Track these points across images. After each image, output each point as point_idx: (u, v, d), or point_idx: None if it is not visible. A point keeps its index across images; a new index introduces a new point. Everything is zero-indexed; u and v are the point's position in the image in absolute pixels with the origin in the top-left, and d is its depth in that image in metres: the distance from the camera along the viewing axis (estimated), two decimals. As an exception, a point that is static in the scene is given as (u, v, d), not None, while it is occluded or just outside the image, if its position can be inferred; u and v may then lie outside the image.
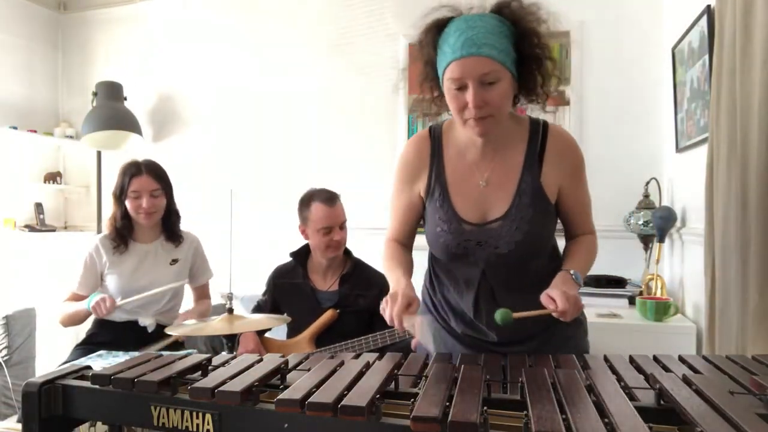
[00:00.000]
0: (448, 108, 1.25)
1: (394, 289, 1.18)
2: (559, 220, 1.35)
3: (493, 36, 1.11)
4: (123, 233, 2.16)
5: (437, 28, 1.18)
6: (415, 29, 1.22)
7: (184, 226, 2.30)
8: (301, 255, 2.21)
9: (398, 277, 1.24)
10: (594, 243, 1.35)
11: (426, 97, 1.29)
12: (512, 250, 1.23)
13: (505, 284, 1.28)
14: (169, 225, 2.22)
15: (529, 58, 1.17)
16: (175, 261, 2.22)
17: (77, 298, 2.14)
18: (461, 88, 1.14)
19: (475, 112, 1.14)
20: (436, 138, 1.33)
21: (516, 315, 1.15)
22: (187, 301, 2.37)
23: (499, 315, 1.15)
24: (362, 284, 2.14)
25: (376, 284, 2.16)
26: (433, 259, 1.42)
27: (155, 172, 2.16)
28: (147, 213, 2.12)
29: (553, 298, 1.12)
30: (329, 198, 2.10)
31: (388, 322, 1.12)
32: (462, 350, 1.33)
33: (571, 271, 1.21)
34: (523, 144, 1.27)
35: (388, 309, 1.12)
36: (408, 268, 1.34)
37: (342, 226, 2.12)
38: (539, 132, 1.27)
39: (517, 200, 1.24)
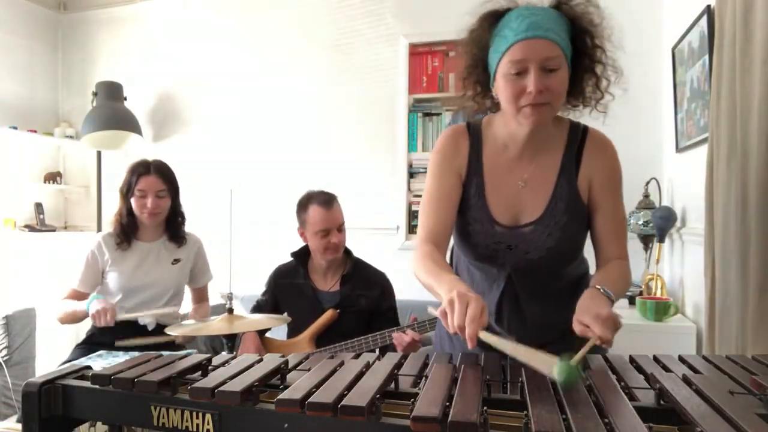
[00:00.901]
0: (487, 108, 1.22)
1: (459, 290, 0.97)
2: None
3: (556, 24, 1.09)
4: (127, 230, 2.17)
5: (494, 17, 1.14)
6: (472, 17, 1.17)
7: (185, 226, 2.30)
8: (302, 255, 2.21)
9: (453, 280, 1.07)
10: (626, 270, 1.22)
11: (468, 93, 1.23)
12: (542, 257, 1.19)
13: (530, 290, 1.23)
14: (173, 226, 2.23)
15: (583, 57, 1.14)
16: (177, 261, 2.23)
17: (77, 294, 2.14)
18: (521, 72, 1.09)
19: (534, 97, 1.08)
20: (474, 132, 1.27)
21: (576, 363, 0.84)
22: (187, 302, 2.37)
23: (563, 377, 0.80)
24: (363, 284, 2.14)
25: (377, 284, 2.16)
26: (456, 258, 1.38)
27: (163, 173, 2.17)
28: (151, 213, 2.12)
29: (586, 324, 0.98)
30: (326, 200, 2.10)
31: (451, 330, 0.94)
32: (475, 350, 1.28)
33: (599, 286, 1.09)
34: (561, 146, 1.23)
35: (455, 315, 0.93)
36: (452, 271, 1.19)
37: (340, 229, 2.12)
38: (578, 134, 1.23)
39: (553, 205, 1.19)
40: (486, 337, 0.93)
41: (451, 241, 1.33)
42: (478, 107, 1.24)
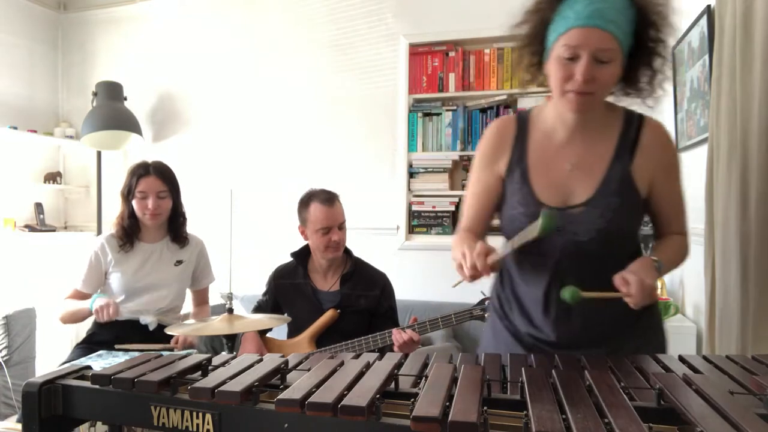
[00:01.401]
0: (538, 81, 1.22)
1: (458, 250, 1.15)
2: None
3: (621, 16, 1.08)
4: (129, 232, 2.17)
5: None
6: None
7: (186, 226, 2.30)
8: (302, 255, 2.21)
9: (470, 244, 1.18)
10: (684, 244, 1.27)
11: (524, 62, 1.22)
12: (593, 239, 1.18)
13: (579, 278, 1.21)
14: (175, 226, 2.23)
15: (644, 49, 1.13)
16: (179, 262, 2.23)
17: (80, 295, 2.14)
18: (573, 57, 1.09)
19: (580, 86, 1.09)
20: (522, 121, 1.29)
21: (585, 294, 1.09)
22: (187, 303, 2.37)
23: (567, 292, 1.09)
24: (363, 284, 2.14)
25: (377, 284, 2.16)
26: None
27: (163, 173, 2.16)
28: (152, 214, 2.12)
29: (628, 281, 1.07)
30: (328, 198, 2.10)
31: (468, 273, 1.10)
32: (518, 351, 1.28)
33: (654, 258, 1.16)
34: (615, 132, 1.23)
35: (467, 261, 1.10)
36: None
37: (341, 227, 2.12)
38: (634, 123, 1.23)
39: (604, 187, 1.19)
40: (495, 257, 1.11)
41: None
42: (532, 78, 1.24)
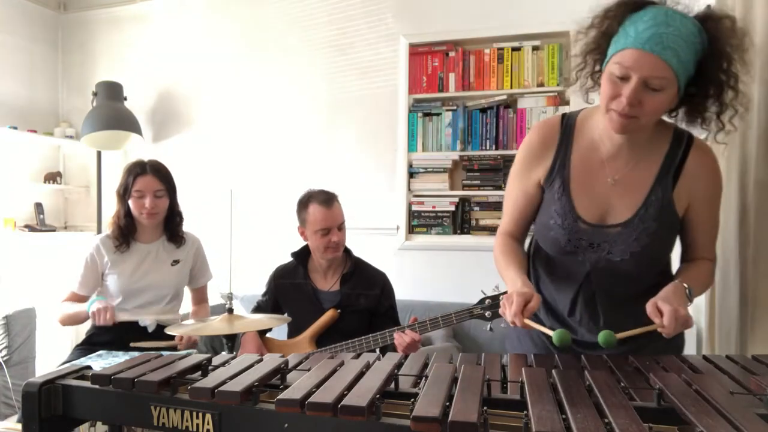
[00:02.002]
0: (595, 87, 1.19)
1: (510, 290, 1.15)
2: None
3: (684, 44, 1.03)
4: (126, 232, 2.16)
5: (633, 6, 1.08)
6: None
7: (185, 226, 2.30)
8: (302, 255, 2.21)
9: (513, 278, 1.19)
10: (712, 270, 1.25)
11: (586, 70, 1.20)
12: (626, 260, 1.17)
13: (608, 291, 1.22)
14: (172, 226, 2.23)
15: (709, 80, 1.09)
16: (176, 262, 2.22)
17: (77, 297, 2.14)
18: (624, 77, 1.06)
19: (624, 108, 1.07)
20: (567, 126, 1.25)
21: (620, 336, 1.06)
22: (186, 303, 2.37)
23: (602, 337, 1.05)
24: (363, 284, 2.14)
25: (377, 283, 2.16)
26: (534, 250, 1.37)
27: (160, 172, 2.16)
28: (149, 213, 2.12)
29: (662, 311, 1.04)
30: (327, 199, 2.10)
31: (509, 320, 1.11)
32: (544, 347, 1.30)
33: (686, 285, 1.11)
34: (662, 152, 1.19)
35: (507, 312, 1.10)
36: (521, 263, 1.27)
37: (340, 227, 2.12)
38: (682, 143, 1.19)
39: (643, 210, 1.17)
40: (530, 323, 1.11)
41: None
42: (592, 85, 1.21)
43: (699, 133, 1.21)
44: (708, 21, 1.06)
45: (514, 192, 1.31)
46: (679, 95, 1.10)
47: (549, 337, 1.13)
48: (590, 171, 1.22)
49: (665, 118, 1.21)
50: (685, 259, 1.28)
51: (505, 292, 1.21)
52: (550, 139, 1.26)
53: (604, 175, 1.21)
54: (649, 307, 1.07)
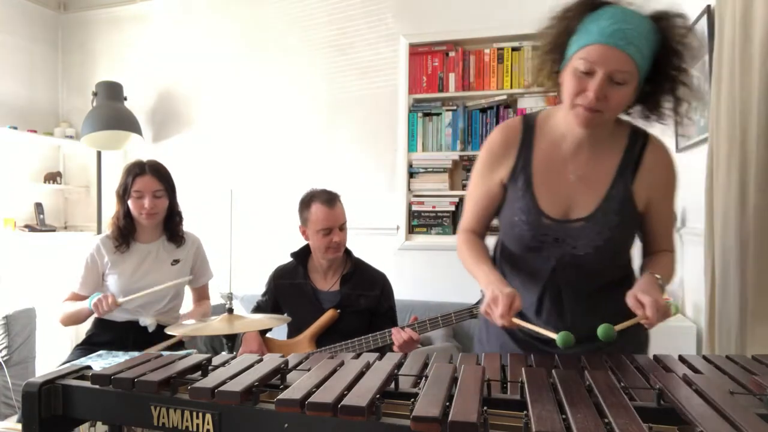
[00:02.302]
0: (554, 88, 1.21)
1: (490, 289, 1.14)
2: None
3: (644, 40, 1.07)
4: (125, 233, 2.16)
5: (591, 5, 1.12)
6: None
7: (185, 226, 2.30)
8: (302, 255, 2.21)
9: (487, 272, 1.21)
10: (674, 261, 1.29)
11: (545, 71, 1.21)
12: (589, 254, 1.21)
13: (573, 286, 1.25)
14: (171, 226, 2.23)
15: (663, 76, 1.13)
16: (176, 261, 2.22)
17: (77, 298, 2.14)
18: (589, 73, 1.09)
19: (590, 102, 1.10)
20: (528, 127, 1.28)
21: (617, 328, 1.08)
22: (187, 302, 2.37)
23: (602, 331, 1.06)
24: (363, 284, 2.14)
25: (377, 284, 2.16)
26: (500, 251, 1.39)
27: (159, 172, 2.16)
28: (149, 213, 2.12)
29: (643, 303, 1.07)
30: (329, 199, 2.10)
31: (498, 323, 1.10)
32: (513, 348, 1.31)
33: (657, 276, 1.16)
34: (620, 148, 1.24)
35: (494, 313, 1.11)
36: (489, 259, 1.30)
37: (342, 228, 2.12)
38: (639, 140, 1.24)
39: (605, 204, 1.21)
40: (519, 322, 1.13)
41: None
42: (550, 86, 1.24)
43: (652, 128, 1.26)
44: (661, 20, 1.10)
45: (477, 191, 1.34)
46: (638, 91, 1.14)
47: (529, 335, 1.17)
48: (552, 168, 1.25)
49: (621, 115, 1.24)
50: (646, 253, 1.32)
51: None
52: (512, 140, 1.29)
53: (567, 171, 1.24)
54: (630, 300, 1.10)
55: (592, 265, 1.22)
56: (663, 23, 1.10)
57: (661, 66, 1.12)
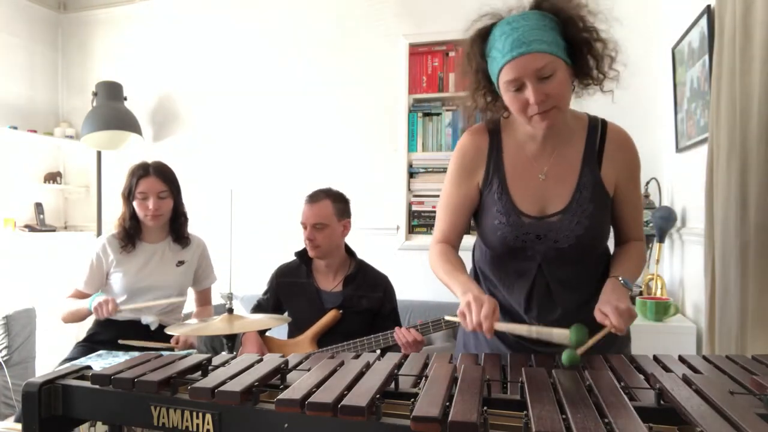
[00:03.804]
0: (502, 111, 1.25)
1: (473, 293, 1.12)
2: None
3: (539, 30, 1.11)
4: (131, 233, 2.17)
5: (481, 38, 1.18)
6: (465, 33, 1.21)
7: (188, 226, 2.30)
8: (305, 254, 2.21)
9: (464, 281, 1.20)
10: (643, 250, 1.34)
11: (479, 105, 1.27)
12: (572, 245, 1.23)
13: (560, 280, 1.27)
14: (177, 227, 2.23)
15: (578, 43, 1.16)
16: (181, 263, 2.23)
17: (81, 295, 2.15)
18: (519, 88, 1.13)
19: (538, 108, 1.13)
20: (494, 132, 1.32)
21: (580, 351, 1.04)
22: (188, 303, 2.37)
23: (566, 357, 1.01)
24: (366, 285, 2.15)
25: (380, 285, 2.17)
26: (478, 257, 1.40)
27: (163, 173, 2.16)
28: (153, 215, 2.12)
29: (606, 313, 1.10)
30: (312, 195, 2.15)
31: (470, 328, 1.08)
32: (500, 348, 1.31)
33: (620, 278, 1.20)
34: (581, 139, 1.27)
35: (473, 315, 1.07)
36: (464, 269, 1.29)
37: (317, 227, 2.09)
38: (598, 128, 1.28)
39: (578, 195, 1.24)
40: (501, 326, 1.11)
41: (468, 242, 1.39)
42: (494, 114, 1.28)
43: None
44: (542, 4, 1.15)
45: (454, 199, 1.33)
46: (570, 67, 1.16)
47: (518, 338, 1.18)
48: (522, 170, 1.28)
49: (576, 107, 1.28)
50: (618, 242, 1.36)
51: None
52: (482, 145, 1.31)
53: (535, 172, 1.27)
54: (597, 314, 1.12)
55: (576, 256, 1.25)
56: (545, 5, 1.14)
57: (570, 36, 1.15)
